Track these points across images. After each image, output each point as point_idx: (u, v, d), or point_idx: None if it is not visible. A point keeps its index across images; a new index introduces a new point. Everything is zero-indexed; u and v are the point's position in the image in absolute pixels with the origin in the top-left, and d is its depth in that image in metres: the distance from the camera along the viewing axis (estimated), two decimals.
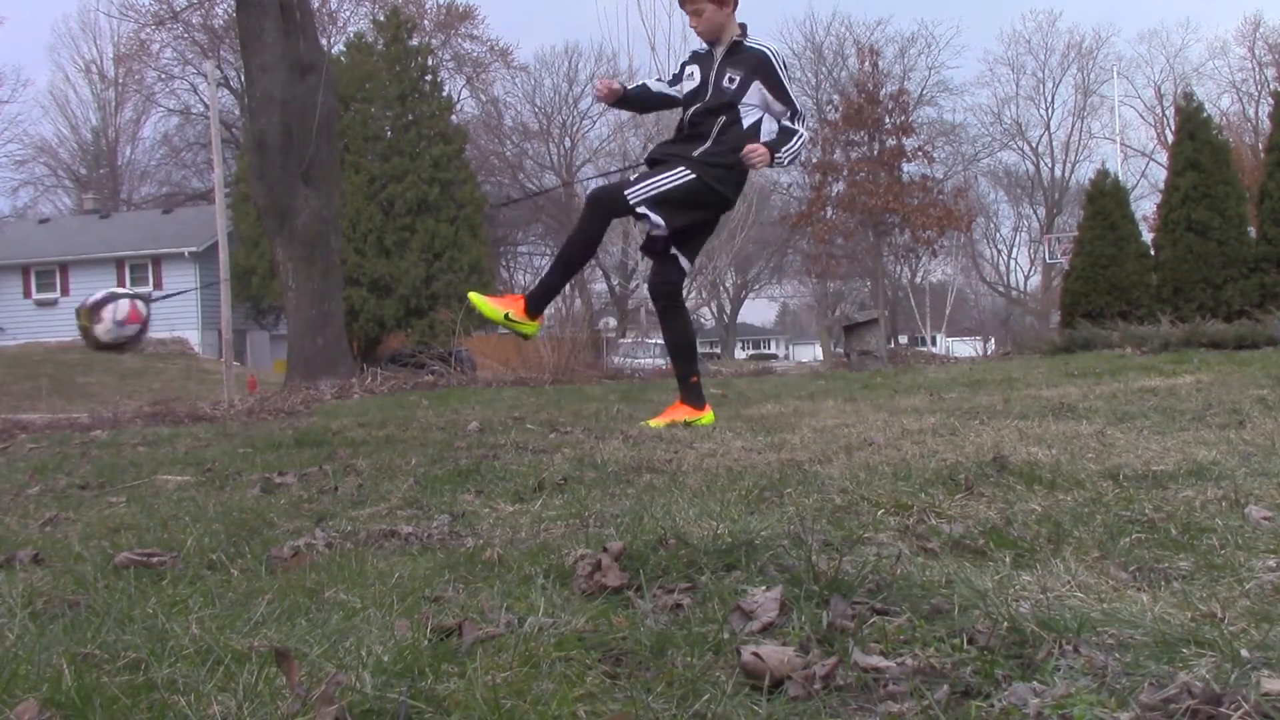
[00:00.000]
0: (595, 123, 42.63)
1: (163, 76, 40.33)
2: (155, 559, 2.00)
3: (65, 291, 32.48)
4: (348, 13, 39.12)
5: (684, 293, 4.68)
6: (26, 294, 32.81)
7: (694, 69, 4.43)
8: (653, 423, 4.37)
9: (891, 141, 28.61)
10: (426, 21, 38.72)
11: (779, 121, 4.35)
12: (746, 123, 4.30)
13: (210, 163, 27.22)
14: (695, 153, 4.28)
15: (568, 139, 43.61)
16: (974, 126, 46.15)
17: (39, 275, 32.75)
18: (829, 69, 42.11)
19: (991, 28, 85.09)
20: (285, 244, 12.06)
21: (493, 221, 37.08)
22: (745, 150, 4.24)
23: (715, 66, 4.36)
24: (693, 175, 4.24)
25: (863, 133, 28.85)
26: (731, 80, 4.31)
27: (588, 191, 4.56)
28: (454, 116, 33.05)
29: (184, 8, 30.58)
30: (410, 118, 30.54)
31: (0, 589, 1.82)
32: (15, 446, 5.14)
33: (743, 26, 4.37)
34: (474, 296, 4.45)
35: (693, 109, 4.38)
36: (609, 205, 4.35)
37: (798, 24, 78.19)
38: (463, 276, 29.69)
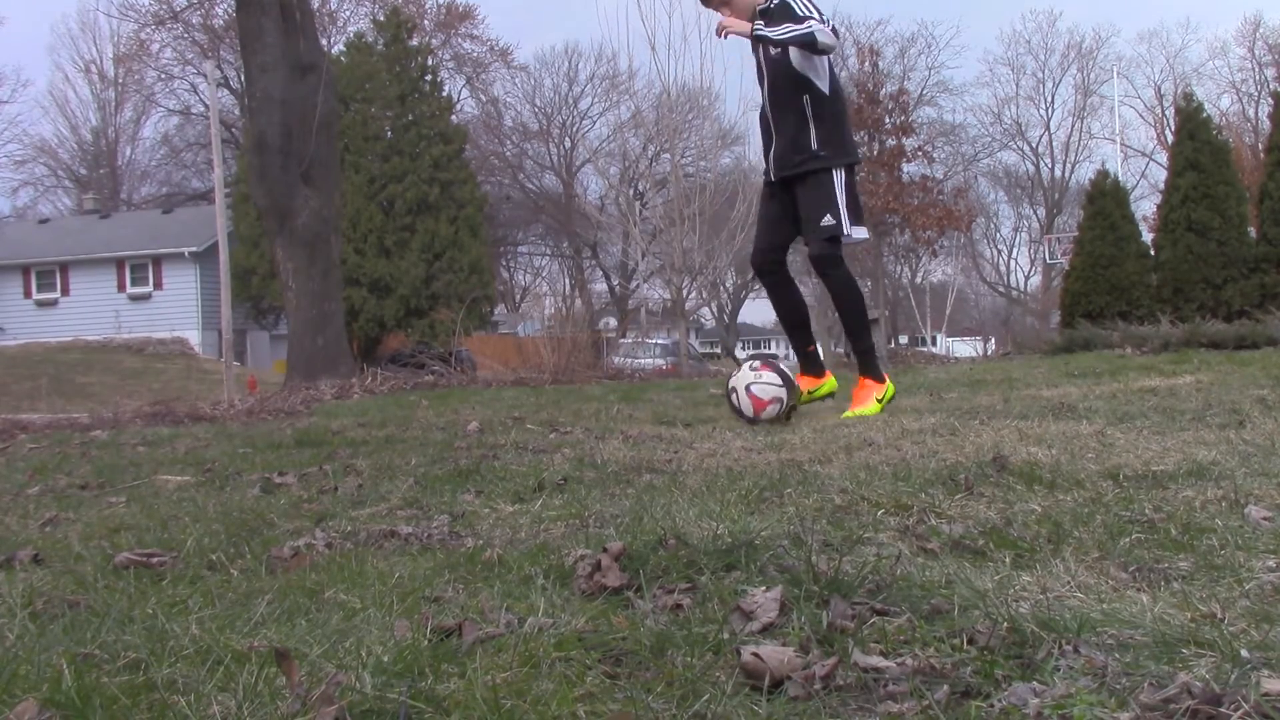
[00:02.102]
0: (595, 123, 42.66)
1: (163, 76, 40.36)
2: (155, 559, 2.00)
3: (65, 291, 32.47)
4: (348, 13, 39.15)
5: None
6: (26, 294, 32.80)
7: (757, 53, 4.50)
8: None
9: (891, 142, 28.62)
10: (426, 21, 38.73)
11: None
12: (822, 85, 4.33)
13: (210, 163, 27.23)
14: (814, 147, 4.35)
15: (568, 139, 43.61)
16: (974, 127, 46.16)
17: (39, 275, 32.74)
18: None
19: (991, 28, 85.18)
20: (285, 244, 12.06)
21: (493, 221, 37.09)
22: (720, 24, 4.30)
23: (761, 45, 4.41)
24: (840, 172, 4.35)
25: (863, 133, 28.84)
26: (775, 46, 4.33)
27: (821, 259, 4.44)
28: (454, 116, 33.04)
29: (184, 8, 30.58)
30: (410, 118, 30.54)
31: (0, 589, 1.82)
32: (15, 446, 5.14)
33: None
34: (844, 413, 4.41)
35: (767, 93, 4.44)
36: (841, 255, 4.45)
37: None
38: (463, 276, 29.69)
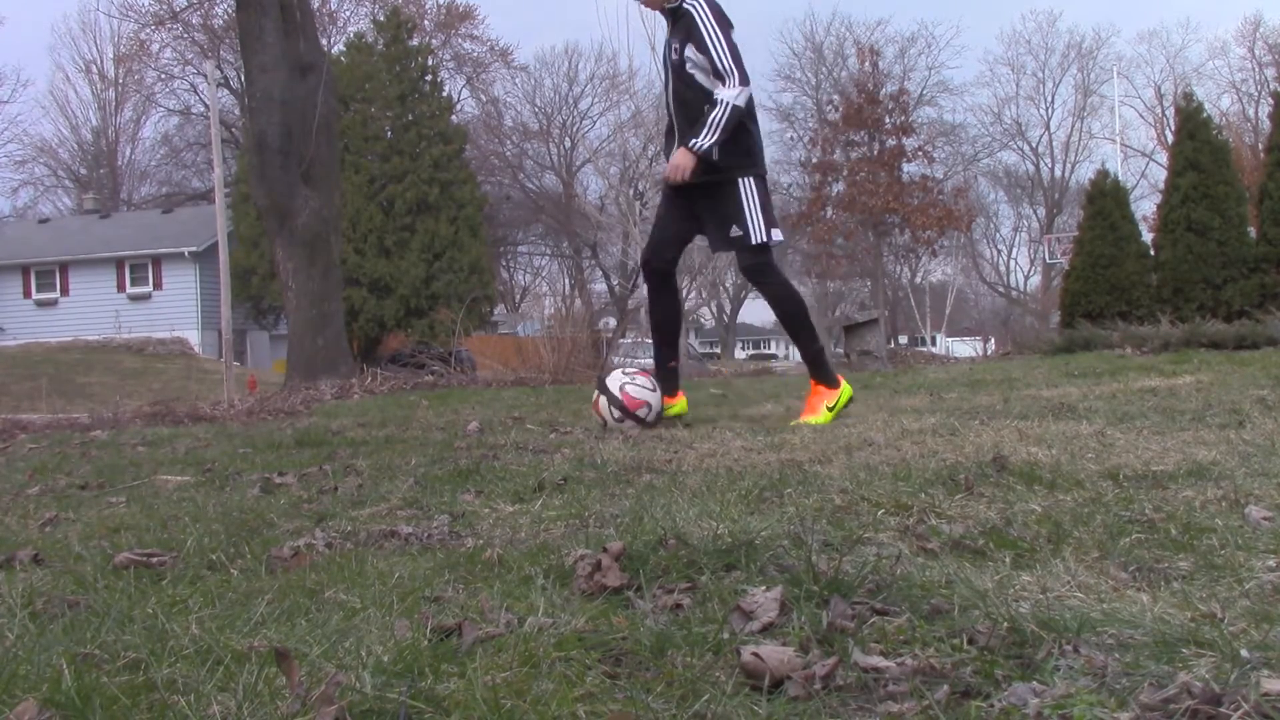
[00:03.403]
0: (595, 123, 42.66)
1: (163, 76, 40.37)
2: (155, 559, 2.00)
3: (65, 291, 32.47)
4: (348, 13, 39.15)
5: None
6: (26, 294, 32.80)
7: (661, 52, 4.36)
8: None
9: (891, 141, 28.60)
10: (426, 21, 38.73)
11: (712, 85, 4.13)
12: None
13: (210, 163, 27.24)
14: (715, 158, 4.18)
15: (568, 139, 43.61)
16: (974, 126, 46.17)
17: (39, 275, 32.74)
18: (829, 69, 42.12)
19: (991, 28, 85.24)
20: (285, 244, 12.05)
21: (493, 221, 37.10)
22: (665, 171, 4.19)
23: (668, 38, 4.26)
24: (748, 180, 4.22)
25: (863, 133, 28.84)
26: (676, 52, 4.19)
27: (751, 270, 4.35)
28: (454, 117, 33.05)
29: (184, 8, 30.57)
30: (410, 118, 30.55)
31: (0, 589, 1.82)
32: (15, 446, 5.14)
33: None
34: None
35: (670, 94, 4.29)
36: (770, 262, 4.35)
37: (798, 24, 78.35)
38: (463, 276, 29.70)
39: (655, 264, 4.45)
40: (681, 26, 4.18)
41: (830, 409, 4.28)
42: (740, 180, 4.21)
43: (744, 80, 4.13)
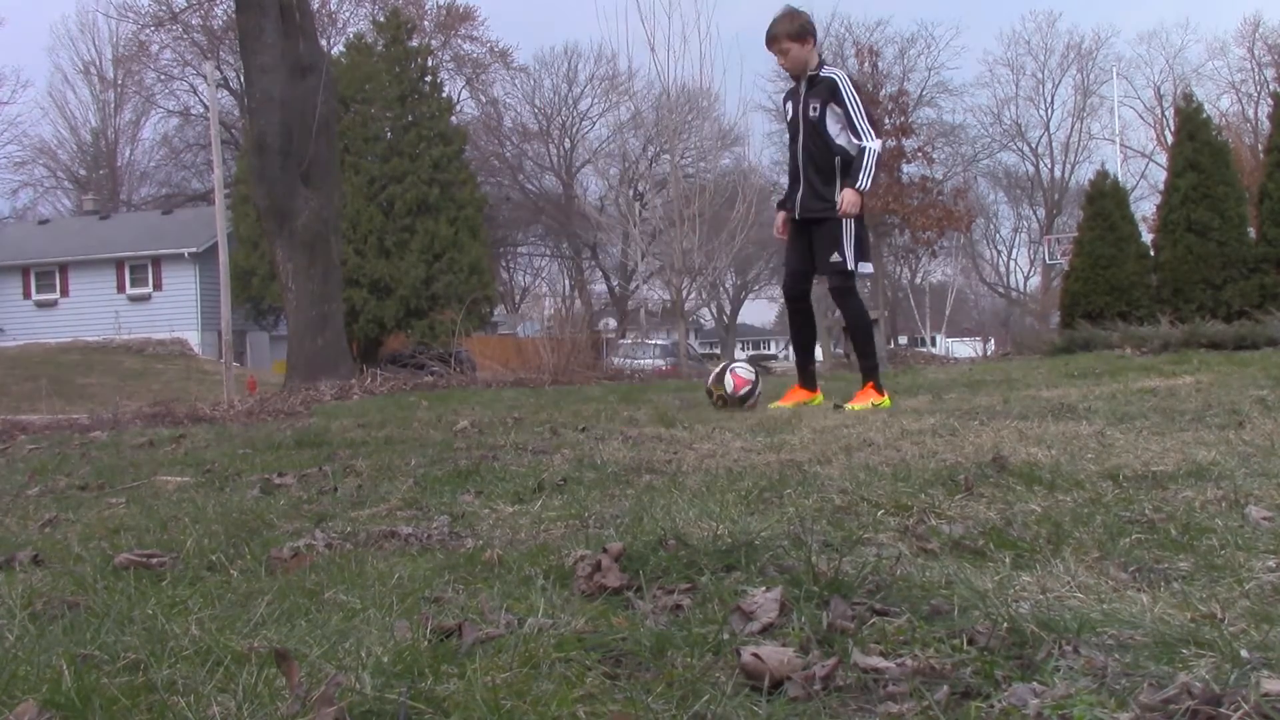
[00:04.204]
0: (595, 124, 42.67)
1: (162, 77, 40.36)
2: (155, 560, 2.00)
3: (65, 292, 32.45)
4: (348, 13, 39.16)
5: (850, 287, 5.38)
6: (26, 295, 32.78)
7: (788, 105, 5.30)
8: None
9: (891, 142, 28.57)
10: (426, 22, 38.72)
11: (849, 140, 5.08)
12: (851, 150, 5.06)
13: (210, 163, 27.23)
14: (835, 198, 5.07)
15: (567, 140, 43.61)
16: (974, 127, 46.11)
17: (39, 276, 32.72)
18: None
19: (991, 28, 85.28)
20: (285, 245, 12.04)
21: (493, 222, 37.09)
22: (841, 208, 5.04)
23: (802, 99, 5.15)
24: (850, 221, 5.11)
25: None
26: (815, 110, 5.10)
27: (836, 291, 5.38)
28: (454, 117, 33.02)
29: (183, 9, 30.58)
30: (410, 119, 30.52)
31: (0, 590, 1.82)
32: (15, 447, 5.14)
33: (820, 57, 5.17)
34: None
35: (800, 146, 5.17)
36: (854, 288, 5.29)
37: None
38: (463, 277, 29.68)
39: (794, 292, 5.44)
40: (821, 90, 5.10)
41: (874, 405, 4.98)
42: (844, 220, 5.10)
43: (879, 136, 5.17)
